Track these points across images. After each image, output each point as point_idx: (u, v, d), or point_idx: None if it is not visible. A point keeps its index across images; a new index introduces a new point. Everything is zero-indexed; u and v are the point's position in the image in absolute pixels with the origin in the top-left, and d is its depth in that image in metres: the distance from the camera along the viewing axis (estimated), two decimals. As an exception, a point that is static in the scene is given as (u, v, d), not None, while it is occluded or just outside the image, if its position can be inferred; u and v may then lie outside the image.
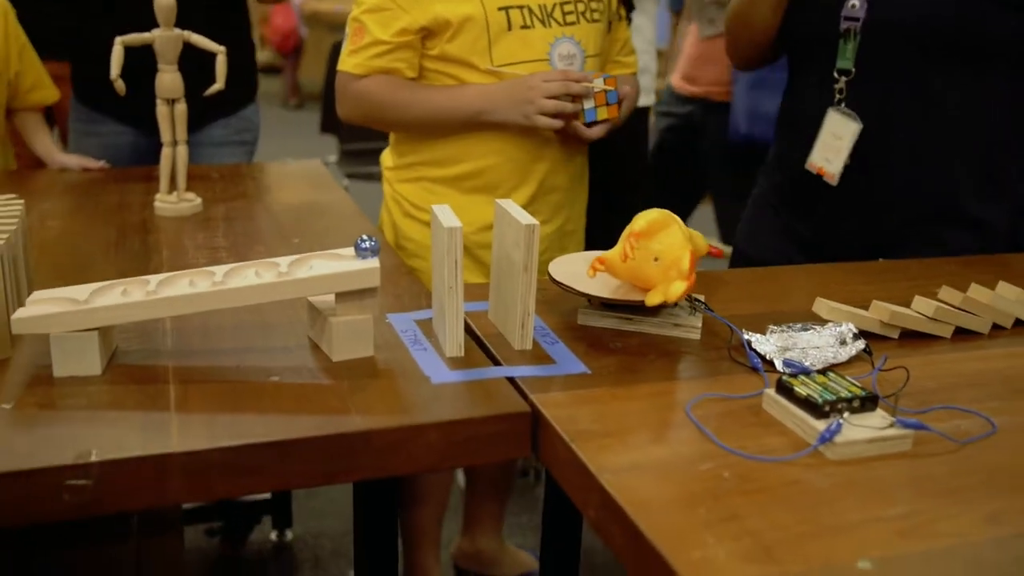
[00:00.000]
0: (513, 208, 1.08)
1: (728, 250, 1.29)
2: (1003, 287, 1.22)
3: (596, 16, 1.66)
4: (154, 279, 1.02)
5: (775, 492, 0.80)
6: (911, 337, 1.15)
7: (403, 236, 1.72)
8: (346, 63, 1.66)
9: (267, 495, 2.33)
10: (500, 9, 1.57)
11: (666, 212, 1.10)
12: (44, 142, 2.02)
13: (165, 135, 1.59)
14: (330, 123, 4.38)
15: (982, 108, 1.48)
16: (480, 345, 1.10)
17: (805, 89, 1.59)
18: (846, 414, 0.89)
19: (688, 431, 0.90)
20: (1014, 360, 1.11)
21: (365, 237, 1.03)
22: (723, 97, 3.03)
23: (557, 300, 1.22)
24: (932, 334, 1.15)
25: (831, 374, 0.96)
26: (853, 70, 1.49)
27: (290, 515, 2.36)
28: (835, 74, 1.51)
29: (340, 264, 1.02)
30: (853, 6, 1.47)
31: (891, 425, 0.89)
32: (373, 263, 1.02)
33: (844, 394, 0.91)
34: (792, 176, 1.61)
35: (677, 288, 1.05)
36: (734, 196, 2.63)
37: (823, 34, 1.51)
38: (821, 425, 0.88)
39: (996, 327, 1.19)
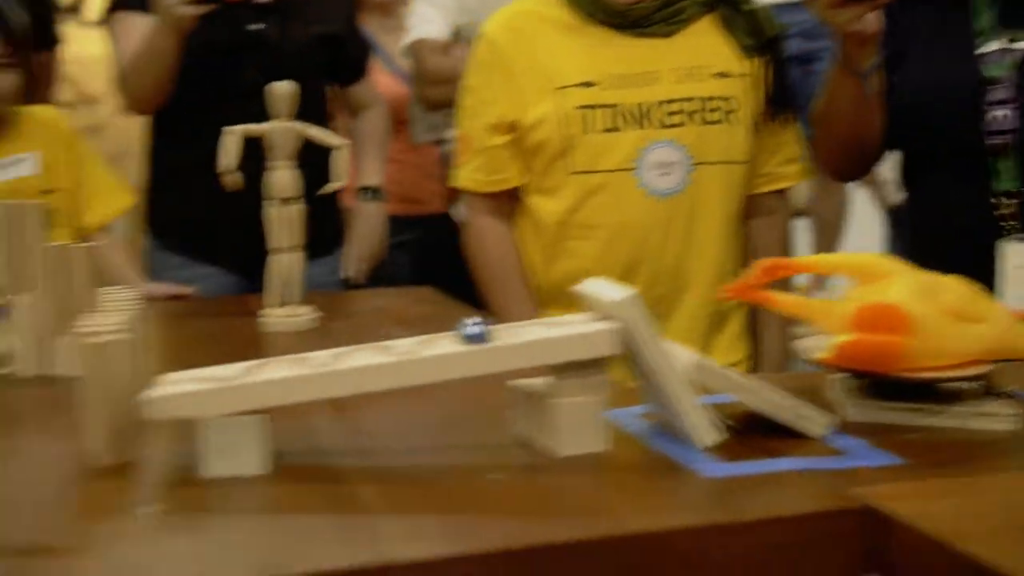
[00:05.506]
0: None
1: None
2: None
3: (716, 117, 1.39)
4: (320, 355, 0.79)
5: None
6: None
7: None
8: (458, 178, 1.51)
9: None
10: (579, 108, 1.37)
11: (889, 259, 0.86)
12: (121, 269, 1.76)
13: (278, 239, 1.38)
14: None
15: None
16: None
17: (952, 209, 1.30)
18: None
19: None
20: None
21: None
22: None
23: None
24: None
25: None
26: (1022, 190, 1.20)
27: None
28: (992, 199, 1.22)
29: (561, 329, 0.79)
30: (1001, 116, 1.20)
31: None
32: (607, 325, 0.78)
33: None
34: None
35: (834, 341, 0.80)
36: None
37: (959, 146, 1.26)
38: None
39: None
